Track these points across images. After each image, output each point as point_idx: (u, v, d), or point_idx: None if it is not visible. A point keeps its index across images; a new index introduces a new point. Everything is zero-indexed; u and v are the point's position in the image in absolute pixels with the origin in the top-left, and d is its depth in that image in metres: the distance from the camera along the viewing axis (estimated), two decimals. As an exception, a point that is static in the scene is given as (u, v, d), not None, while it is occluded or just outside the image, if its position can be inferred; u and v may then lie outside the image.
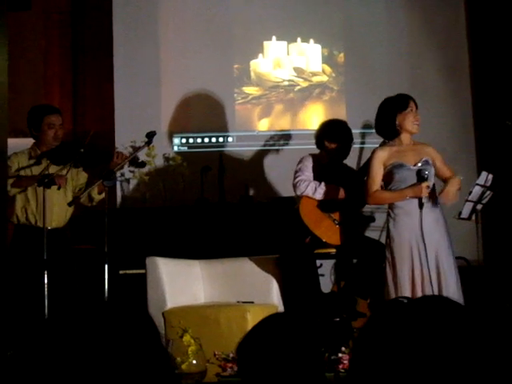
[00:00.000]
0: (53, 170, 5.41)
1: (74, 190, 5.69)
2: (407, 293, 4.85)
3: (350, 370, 1.34)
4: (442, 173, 5.14)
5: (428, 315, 1.32)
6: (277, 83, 7.46)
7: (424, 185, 4.88)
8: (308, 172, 5.70)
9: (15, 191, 5.48)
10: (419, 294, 4.82)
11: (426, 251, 4.84)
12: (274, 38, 7.43)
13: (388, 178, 5.07)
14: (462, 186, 6.09)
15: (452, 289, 4.83)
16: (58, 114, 5.68)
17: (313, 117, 7.38)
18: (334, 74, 7.47)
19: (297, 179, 5.67)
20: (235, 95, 7.38)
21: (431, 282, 4.82)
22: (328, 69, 7.48)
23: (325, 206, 5.60)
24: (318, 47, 7.47)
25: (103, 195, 5.55)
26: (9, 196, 5.33)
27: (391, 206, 5.04)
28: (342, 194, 5.62)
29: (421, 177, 4.91)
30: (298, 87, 7.46)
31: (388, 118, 5.05)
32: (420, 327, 1.29)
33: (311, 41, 7.45)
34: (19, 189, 5.48)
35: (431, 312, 1.32)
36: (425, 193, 4.88)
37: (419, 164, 5.03)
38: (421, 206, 4.88)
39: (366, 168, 5.52)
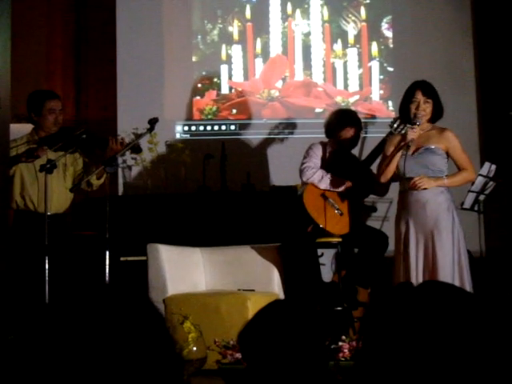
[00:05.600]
0: (51, 155, 5.40)
1: (74, 176, 5.68)
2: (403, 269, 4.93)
3: (358, 356, 1.34)
4: (457, 163, 5.13)
5: (431, 301, 1.31)
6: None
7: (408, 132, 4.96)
8: (316, 159, 5.68)
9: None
10: (413, 273, 4.89)
11: (409, 232, 4.95)
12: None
13: None
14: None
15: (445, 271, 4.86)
16: (58, 99, 5.68)
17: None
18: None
19: (304, 165, 5.65)
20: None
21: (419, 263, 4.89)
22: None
23: (329, 195, 5.58)
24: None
25: (102, 180, 5.55)
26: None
27: None
28: (347, 184, 5.60)
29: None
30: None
31: (402, 108, 5.11)
32: (424, 313, 1.29)
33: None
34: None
35: (434, 298, 1.32)
36: (411, 135, 4.96)
37: (418, 152, 5.03)
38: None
39: (371, 158, 5.53)
